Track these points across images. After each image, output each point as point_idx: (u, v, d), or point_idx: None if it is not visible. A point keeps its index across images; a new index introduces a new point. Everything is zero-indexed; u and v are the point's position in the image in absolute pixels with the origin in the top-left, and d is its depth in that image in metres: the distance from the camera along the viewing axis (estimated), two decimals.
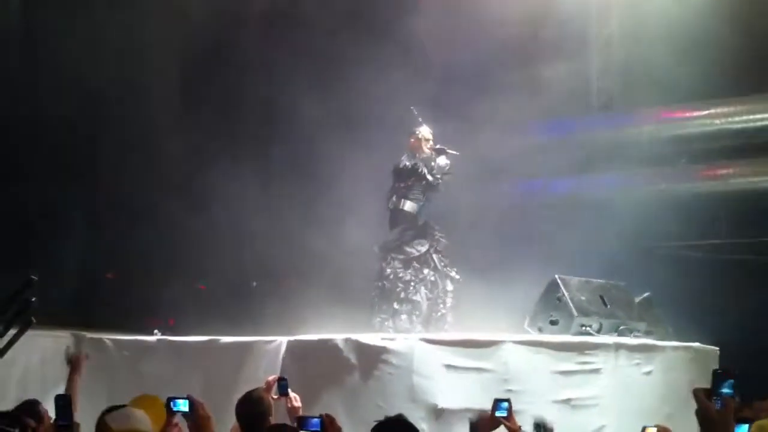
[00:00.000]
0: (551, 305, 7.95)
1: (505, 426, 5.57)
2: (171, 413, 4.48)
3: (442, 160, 8.59)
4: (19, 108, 9.76)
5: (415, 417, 6.52)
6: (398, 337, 7.03)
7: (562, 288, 7.89)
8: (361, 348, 6.89)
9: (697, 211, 10.57)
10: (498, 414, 5.57)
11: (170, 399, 4.49)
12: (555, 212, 10.74)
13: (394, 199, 8.64)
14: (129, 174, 10.53)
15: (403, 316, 8.32)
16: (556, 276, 8.01)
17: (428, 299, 8.42)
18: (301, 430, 4.59)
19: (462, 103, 10.12)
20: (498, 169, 10.57)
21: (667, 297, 8.89)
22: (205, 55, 10.79)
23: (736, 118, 11.29)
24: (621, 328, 7.86)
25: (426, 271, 8.49)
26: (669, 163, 10.97)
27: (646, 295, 8.60)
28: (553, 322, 7.86)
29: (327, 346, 7.02)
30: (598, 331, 7.72)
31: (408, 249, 8.51)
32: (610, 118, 11.54)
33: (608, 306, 8.01)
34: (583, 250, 9.73)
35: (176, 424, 4.70)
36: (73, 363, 6.04)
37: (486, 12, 10.13)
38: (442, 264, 8.59)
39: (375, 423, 4.13)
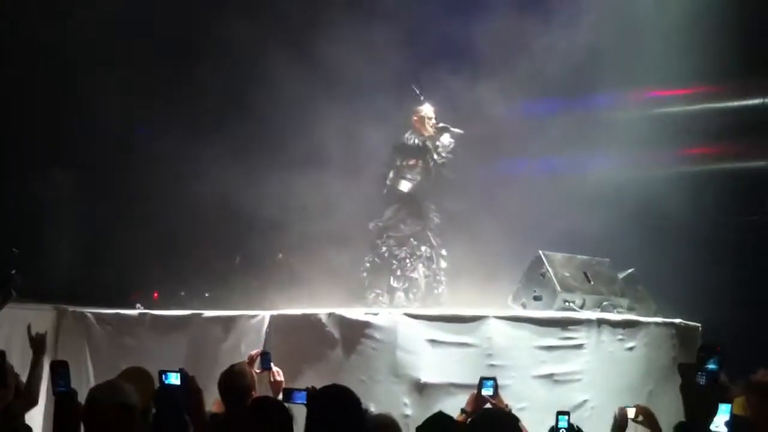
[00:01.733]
0: (535, 281, 7.96)
1: (491, 404, 5.59)
2: (163, 386, 4.43)
3: (446, 139, 8.58)
4: None
5: (398, 391, 6.56)
6: (381, 312, 7.03)
7: (546, 264, 7.90)
8: (344, 322, 6.89)
9: (681, 190, 10.59)
10: (484, 392, 5.60)
11: (162, 372, 4.45)
12: (541, 190, 10.73)
13: (391, 175, 8.62)
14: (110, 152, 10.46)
15: (400, 294, 8.33)
16: (540, 252, 8.01)
17: (426, 276, 8.43)
18: (288, 402, 4.59)
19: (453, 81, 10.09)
20: (484, 148, 10.54)
21: (651, 273, 8.92)
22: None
23: (722, 100, 11.34)
24: (604, 303, 7.87)
25: (423, 248, 8.50)
26: (653, 142, 10.99)
27: (629, 271, 8.62)
28: (537, 298, 7.88)
29: (310, 320, 7.02)
30: (581, 307, 7.74)
31: (403, 227, 8.53)
32: (597, 97, 11.53)
33: (592, 282, 8.02)
34: (566, 226, 9.75)
35: None
36: (36, 344, 5.94)
37: None
38: (437, 242, 8.61)
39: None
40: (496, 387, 5.73)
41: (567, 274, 7.93)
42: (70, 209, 10.29)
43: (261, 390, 5.94)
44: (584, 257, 8.30)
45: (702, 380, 3.11)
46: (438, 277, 8.51)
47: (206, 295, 9.29)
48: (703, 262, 10.14)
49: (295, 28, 10.06)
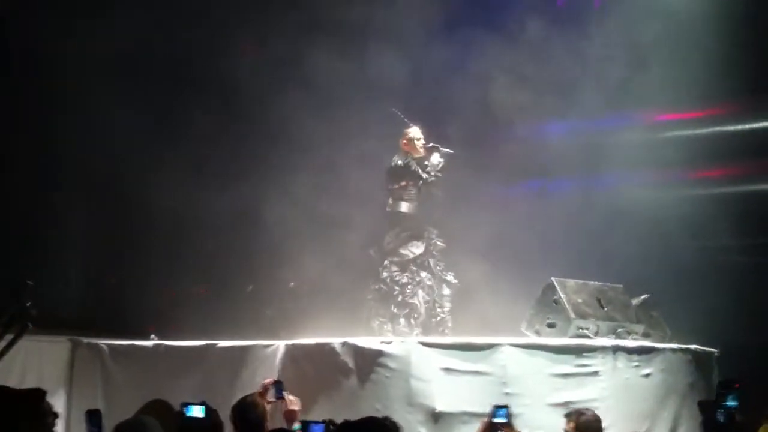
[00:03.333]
0: (548, 308, 7.92)
1: None
2: (185, 419, 4.38)
3: (435, 158, 8.58)
4: None
5: (413, 420, 6.52)
6: (395, 341, 7.01)
7: (559, 290, 7.86)
8: (358, 351, 6.87)
9: (695, 212, 10.56)
10: (496, 420, 5.56)
11: (184, 404, 4.42)
12: (553, 213, 10.72)
13: (390, 201, 8.63)
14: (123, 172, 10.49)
15: (402, 320, 8.31)
16: (552, 278, 7.99)
17: (425, 303, 8.40)
18: None
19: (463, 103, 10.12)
20: (496, 169, 10.55)
21: (665, 298, 8.88)
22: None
23: (733, 121, 11.33)
24: (619, 330, 7.83)
25: (423, 274, 8.48)
26: (666, 164, 10.98)
27: (644, 296, 8.58)
28: (551, 325, 7.84)
29: (324, 349, 7.01)
30: (596, 334, 7.70)
31: (403, 251, 8.49)
32: (609, 119, 11.54)
33: (605, 308, 7.98)
34: (580, 251, 9.73)
35: None
36: None
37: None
38: (438, 268, 8.58)
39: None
40: (509, 415, 5.70)
41: (580, 301, 7.90)
42: (79, 235, 10.30)
43: (275, 419, 5.94)
44: (597, 283, 8.26)
45: (722, 418, 3.10)
46: (437, 305, 8.46)
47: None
48: (718, 286, 10.08)
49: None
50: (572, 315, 7.72)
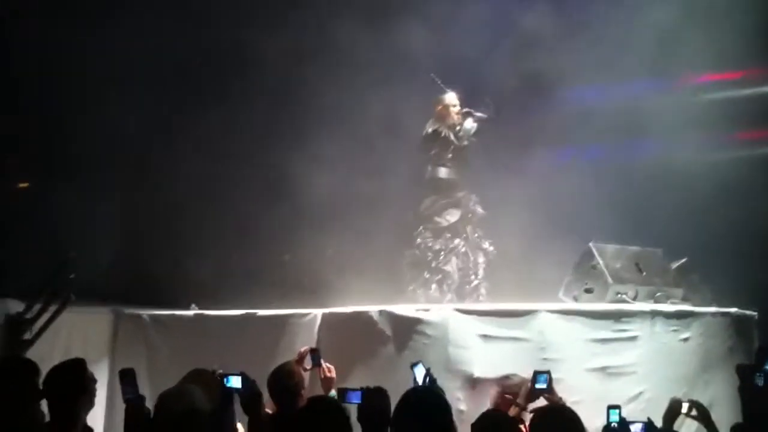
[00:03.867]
0: (586, 273, 7.90)
1: (545, 399, 5.57)
2: (224, 390, 4.45)
3: (468, 123, 8.57)
4: None
5: (452, 387, 6.55)
6: (432, 308, 7.04)
7: (597, 255, 7.83)
8: (395, 319, 6.92)
9: (735, 176, 10.42)
10: (538, 386, 5.58)
11: (223, 375, 4.49)
12: (589, 179, 10.64)
13: (429, 167, 8.64)
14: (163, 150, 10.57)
15: (434, 286, 8.34)
16: (591, 244, 7.95)
17: (459, 270, 8.41)
18: (342, 402, 4.63)
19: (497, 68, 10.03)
20: (534, 136, 10.48)
21: (705, 262, 8.80)
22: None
23: None
24: (657, 294, 7.79)
25: (456, 241, 8.48)
26: (705, 127, 10.82)
27: (683, 260, 8.51)
28: (588, 291, 7.82)
29: (361, 317, 7.06)
30: (634, 299, 7.67)
31: (437, 219, 8.51)
32: (647, 83, 11.38)
33: (644, 273, 7.94)
34: (618, 217, 9.65)
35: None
36: None
37: None
38: (476, 235, 8.57)
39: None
40: (550, 381, 5.71)
41: (618, 266, 7.86)
42: (115, 208, 10.42)
43: (312, 387, 6.01)
44: (636, 248, 8.21)
45: (760, 381, 3.08)
46: (471, 272, 8.46)
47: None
48: (758, 249, 9.97)
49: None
50: (610, 280, 7.69)
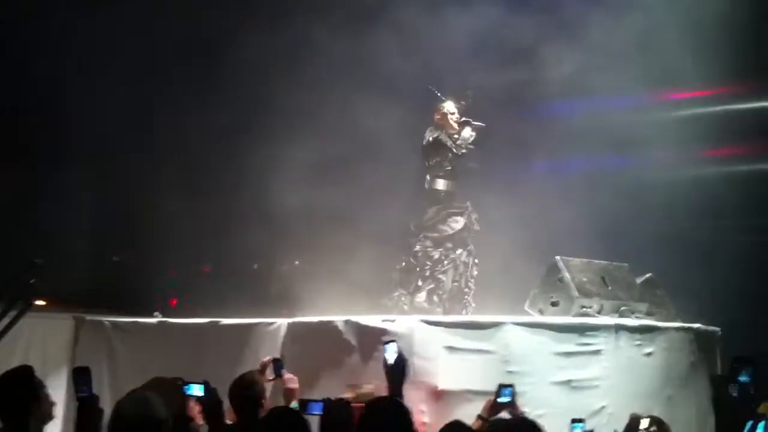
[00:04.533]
0: (552, 286, 7.93)
1: (508, 412, 5.56)
2: (186, 397, 4.40)
3: (466, 132, 8.60)
4: None
5: (415, 398, 6.52)
6: (398, 319, 7.02)
7: (563, 269, 7.86)
8: (361, 330, 6.89)
9: (703, 192, 10.52)
10: (501, 400, 5.57)
11: (185, 383, 4.43)
12: (561, 193, 10.70)
13: (428, 177, 8.65)
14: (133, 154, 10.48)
15: (422, 294, 8.31)
16: (557, 257, 7.98)
17: (454, 282, 8.39)
18: (304, 413, 4.58)
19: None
20: (502, 149, 10.52)
21: (670, 277, 8.86)
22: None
23: (744, 100, 11.26)
24: (622, 309, 7.82)
25: (459, 251, 8.48)
26: (673, 143, 10.92)
27: (648, 275, 8.57)
28: (554, 304, 7.84)
29: (327, 327, 7.02)
30: (599, 313, 7.70)
31: (441, 227, 8.51)
32: (620, 100, 11.46)
33: (609, 287, 7.98)
34: (586, 229, 9.70)
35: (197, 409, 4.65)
36: None
37: None
38: (471, 246, 8.59)
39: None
40: (513, 394, 5.71)
41: (585, 279, 7.89)
42: (83, 213, 10.32)
43: (275, 398, 5.95)
44: (602, 262, 8.25)
45: (735, 392, 3.09)
46: (469, 284, 8.47)
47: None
48: (724, 265, 10.06)
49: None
50: (576, 293, 7.72)
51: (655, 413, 5.64)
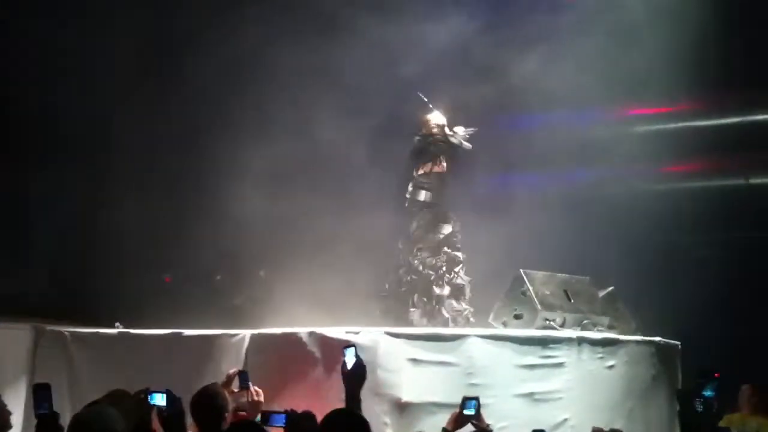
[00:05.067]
0: (516, 299, 7.98)
1: (473, 425, 5.58)
2: (148, 407, 4.34)
3: (460, 129, 8.71)
4: None
5: (379, 411, 6.53)
6: (362, 331, 7.00)
7: (527, 282, 7.92)
8: (325, 342, 6.85)
9: (661, 206, 10.66)
10: (466, 412, 5.58)
11: (148, 392, 4.37)
12: (521, 207, 10.77)
13: (410, 188, 8.65)
14: (92, 163, 10.38)
15: (451, 301, 8.30)
16: (521, 270, 8.03)
17: (470, 283, 8.43)
18: (266, 425, 4.55)
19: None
20: (464, 163, 10.57)
21: (631, 291, 8.96)
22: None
23: (702, 117, 11.44)
24: (584, 322, 7.90)
25: (461, 254, 8.52)
26: (633, 158, 11.06)
27: (609, 289, 8.66)
28: (518, 317, 7.89)
29: (291, 339, 6.98)
30: (562, 326, 7.76)
31: (432, 235, 8.52)
32: (582, 115, 11.58)
33: (572, 300, 8.05)
34: (548, 244, 9.78)
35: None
36: None
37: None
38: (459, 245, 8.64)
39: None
40: (478, 407, 5.72)
41: (547, 293, 7.96)
42: (39, 219, 10.19)
43: (239, 410, 5.90)
44: (564, 275, 8.32)
45: (699, 407, 3.12)
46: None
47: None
48: (683, 279, 10.19)
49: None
50: (539, 306, 7.77)
51: (617, 426, 5.70)
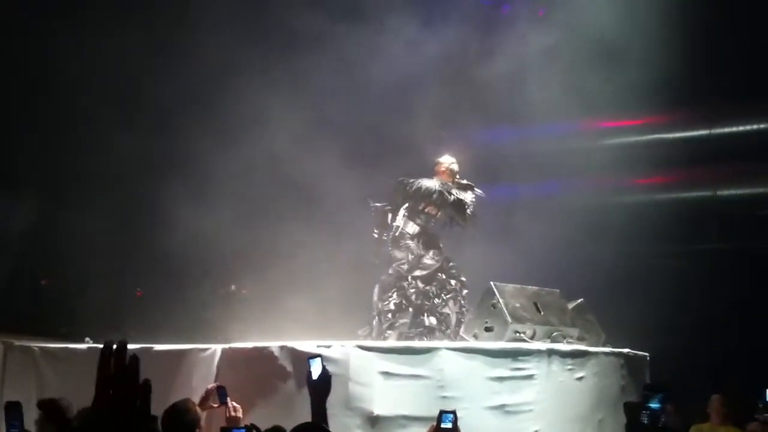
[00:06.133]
0: (486, 312, 8.01)
1: None
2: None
3: (469, 197, 8.56)
4: None
5: (351, 424, 6.54)
6: (334, 344, 7.01)
7: (497, 294, 7.96)
8: (296, 355, 6.84)
9: (629, 218, 10.76)
10: (443, 425, 5.59)
11: None
12: (491, 219, 10.84)
13: (401, 216, 8.55)
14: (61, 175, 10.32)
15: (437, 333, 8.29)
16: (492, 283, 8.08)
17: (456, 313, 8.39)
18: None
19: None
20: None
21: (601, 303, 9.03)
22: None
23: (669, 130, 11.58)
24: (554, 334, 7.95)
25: (453, 282, 8.49)
26: (602, 171, 11.17)
27: (579, 301, 8.73)
28: (488, 329, 7.93)
29: (262, 353, 6.96)
30: (532, 338, 7.81)
31: (426, 261, 8.47)
32: (551, 127, 11.68)
33: (542, 312, 8.10)
34: (519, 255, 9.84)
35: None
36: None
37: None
38: (455, 271, 8.61)
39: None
40: (455, 421, 5.73)
41: (518, 305, 8.00)
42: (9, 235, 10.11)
43: (212, 426, 5.89)
44: (535, 288, 8.37)
45: (646, 419, 3.16)
46: (464, 309, 8.50)
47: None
48: (651, 291, 10.29)
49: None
50: (509, 319, 7.81)
51: None
